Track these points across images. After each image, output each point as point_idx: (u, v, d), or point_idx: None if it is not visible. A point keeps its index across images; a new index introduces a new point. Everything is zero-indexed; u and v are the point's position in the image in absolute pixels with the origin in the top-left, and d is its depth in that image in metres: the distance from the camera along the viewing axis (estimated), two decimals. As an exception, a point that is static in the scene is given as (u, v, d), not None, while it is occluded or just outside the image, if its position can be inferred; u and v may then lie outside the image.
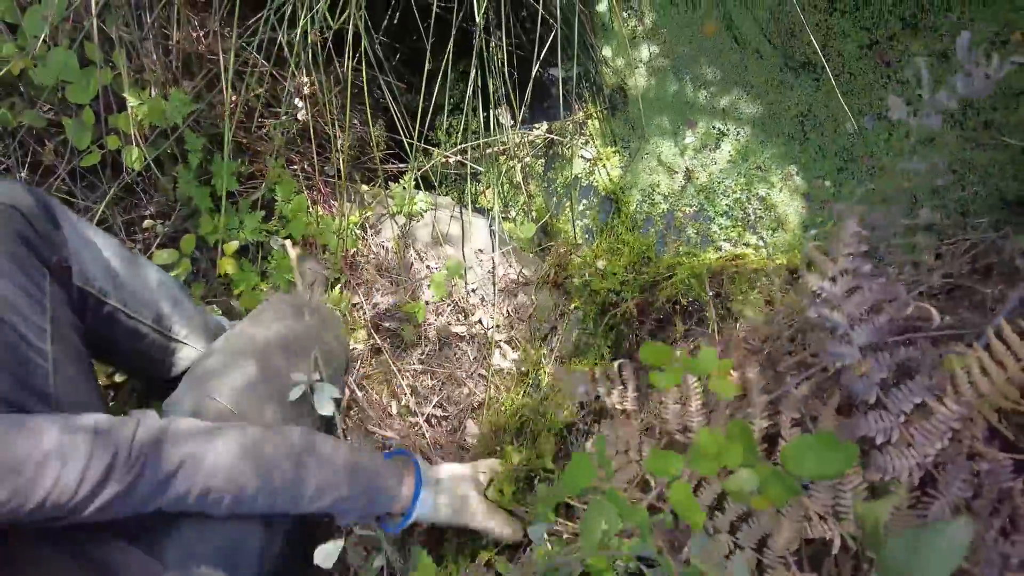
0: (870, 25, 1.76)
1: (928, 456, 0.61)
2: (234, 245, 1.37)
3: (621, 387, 0.93)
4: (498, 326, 1.43)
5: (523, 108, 1.66)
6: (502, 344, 1.43)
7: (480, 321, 1.42)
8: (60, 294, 0.89)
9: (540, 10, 1.54)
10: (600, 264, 1.59)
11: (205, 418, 0.90)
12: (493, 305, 1.43)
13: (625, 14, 1.89)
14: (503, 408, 1.30)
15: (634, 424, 0.76)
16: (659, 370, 0.65)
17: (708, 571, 0.62)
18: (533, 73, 1.55)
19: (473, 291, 1.44)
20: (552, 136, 1.78)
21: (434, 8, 1.40)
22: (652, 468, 0.63)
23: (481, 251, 1.44)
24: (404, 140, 1.56)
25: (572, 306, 1.51)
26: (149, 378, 1.20)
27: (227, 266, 1.34)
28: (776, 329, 1.04)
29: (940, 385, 0.62)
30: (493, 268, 1.45)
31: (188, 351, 1.12)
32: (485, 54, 1.63)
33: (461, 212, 1.56)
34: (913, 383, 0.63)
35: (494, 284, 1.44)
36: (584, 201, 1.74)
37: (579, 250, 1.64)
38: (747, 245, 1.65)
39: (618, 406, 0.94)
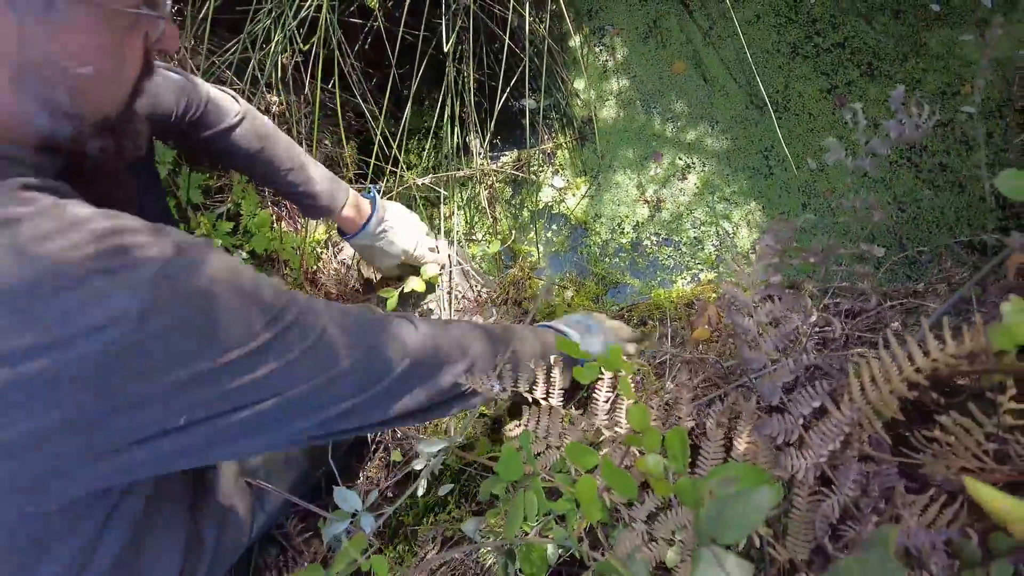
0: (829, 71, 1.87)
1: (822, 456, 0.66)
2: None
3: (546, 384, 0.98)
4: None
5: (489, 136, 1.75)
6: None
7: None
8: None
9: (508, 42, 1.64)
10: (568, 295, 1.65)
11: None
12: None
13: (597, 49, 1.99)
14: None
15: (559, 414, 0.81)
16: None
17: (616, 564, 0.67)
18: (499, 103, 1.64)
19: (429, 309, 1.49)
20: (520, 164, 1.86)
21: (399, 35, 1.49)
22: (571, 457, 0.68)
23: (441, 271, 1.50)
24: (373, 162, 1.63)
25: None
26: None
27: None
28: (719, 344, 1.11)
29: (840, 391, 0.67)
30: (450, 287, 1.51)
31: None
32: (456, 82, 1.72)
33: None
34: (813, 388, 0.69)
35: (450, 304, 1.50)
36: (554, 227, 1.81)
37: (543, 272, 1.70)
38: (711, 281, 1.71)
39: (543, 400, 0.98)
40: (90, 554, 0.64)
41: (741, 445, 0.75)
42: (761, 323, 0.73)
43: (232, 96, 1.09)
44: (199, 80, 1.03)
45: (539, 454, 0.86)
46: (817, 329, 0.73)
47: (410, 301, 1.53)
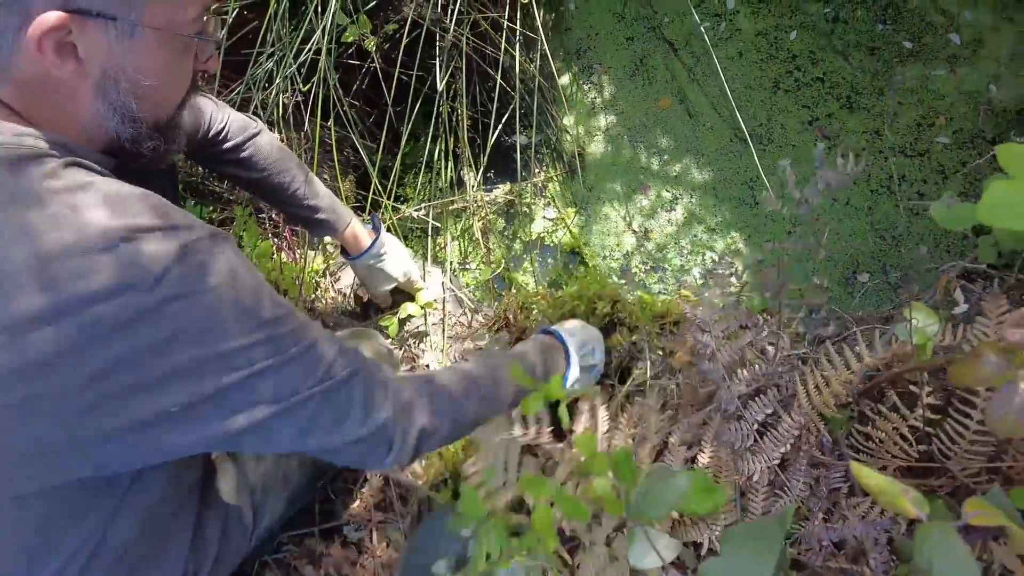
0: (810, 104, 1.96)
1: (775, 459, 0.71)
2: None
3: (536, 425, 1.04)
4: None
5: (482, 170, 1.83)
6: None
7: (427, 366, 1.53)
8: None
9: (500, 81, 1.73)
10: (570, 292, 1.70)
11: None
12: (442, 351, 1.54)
13: (586, 86, 2.09)
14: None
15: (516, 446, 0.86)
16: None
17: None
18: (491, 139, 1.72)
19: (424, 336, 1.55)
20: (512, 197, 1.94)
21: (395, 75, 1.58)
22: (526, 489, 0.73)
23: (435, 301, 1.56)
24: (371, 196, 1.71)
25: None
26: None
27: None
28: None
29: (791, 400, 0.73)
30: (443, 314, 1.57)
31: None
32: (449, 119, 1.81)
33: (423, 263, 1.70)
34: (766, 397, 0.74)
35: (443, 331, 1.56)
36: (550, 260, 1.88)
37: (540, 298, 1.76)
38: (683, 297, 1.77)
39: (532, 443, 1.04)
40: (100, 541, 0.70)
41: (705, 458, 0.80)
42: (717, 338, 0.79)
43: (251, 116, 1.21)
44: (218, 100, 1.14)
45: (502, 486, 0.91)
46: (770, 344, 0.79)
47: (406, 327, 1.59)
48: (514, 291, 1.72)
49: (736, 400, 0.75)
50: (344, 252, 1.41)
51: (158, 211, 0.60)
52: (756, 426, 0.73)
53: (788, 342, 0.78)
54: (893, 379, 0.66)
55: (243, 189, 1.58)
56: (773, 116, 1.97)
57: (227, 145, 1.15)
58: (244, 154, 1.17)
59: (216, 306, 0.59)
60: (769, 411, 0.73)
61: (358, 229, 1.37)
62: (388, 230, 1.66)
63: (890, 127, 1.89)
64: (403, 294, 1.54)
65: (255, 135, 1.18)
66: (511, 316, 1.66)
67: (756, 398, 0.75)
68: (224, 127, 1.14)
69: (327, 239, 1.76)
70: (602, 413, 0.98)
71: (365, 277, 1.47)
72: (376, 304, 1.59)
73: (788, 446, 0.70)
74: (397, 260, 1.45)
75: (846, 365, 0.68)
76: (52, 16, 0.57)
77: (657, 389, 1.07)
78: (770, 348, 0.79)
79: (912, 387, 0.63)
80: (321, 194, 1.29)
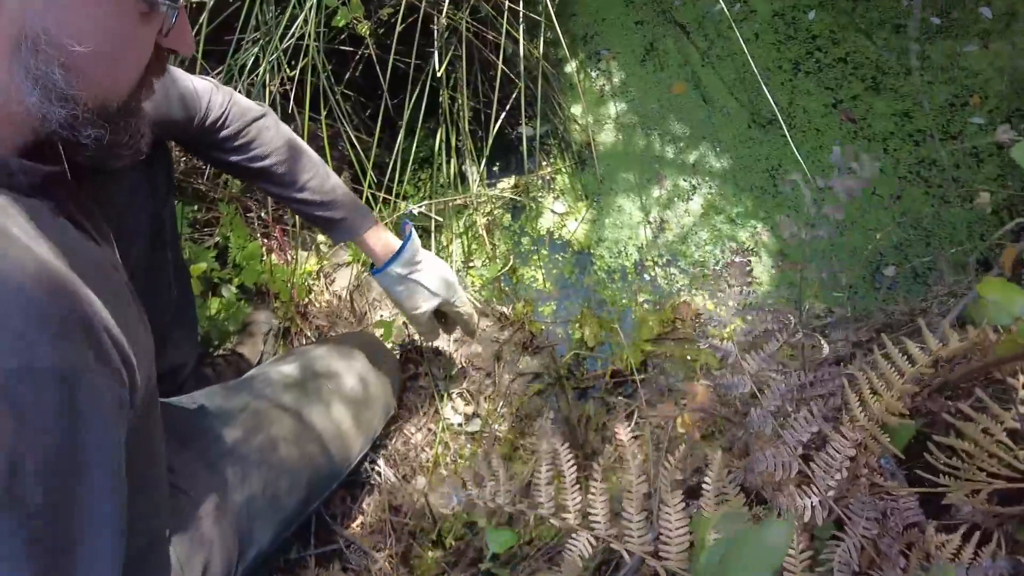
0: (833, 86, 1.85)
1: (829, 491, 0.60)
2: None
3: (493, 482, 0.91)
4: (449, 377, 1.44)
5: (485, 162, 1.73)
6: (454, 396, 1.43)
7: (430, 373, 1.43)
8: None
9: (503, 68, 1.63)
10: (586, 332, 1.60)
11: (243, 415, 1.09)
12: (448, 356, 1.45)
13: (594, 74, 1.98)
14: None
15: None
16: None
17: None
18: (493, 130, 1.62)
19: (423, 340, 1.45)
20: (519, 190, 1.83)
21: (390, 63, 1.48)
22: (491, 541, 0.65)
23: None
24: (368, 192, 1.61)
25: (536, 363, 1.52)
26: None
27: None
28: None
29: (837, 412, 0.62)
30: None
31: None
32: (450, 110, 1.71)
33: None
34: (808, 412, 0.64)
35: (449, 336, 1.46)
36: (559, 256, 1.77)
37: (548, 299, 1.66)
38: (684, 302, 1.65)
39: (490, 504, 0.90)
40: None
41: (710, 502, 0.66)
42: (741, 343, 0.68)
43: (258, 103, 1.07)
44: (224, 86, 1.02)
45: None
46: (812, 346, 0.69)
47: (408, 330, 1.50)
48: (522, 305, 1.62)
49: (771, 419, 0.65)
50: (371, 268, 1.20)
51: None
52: (800, 449, 0.63)
53: (826, 347, 0.67)
54: (975, 373, 0.56)
55: (248, 182, 1.44)
56: (795, 99, 1.85)
57: (225, 132, 1.01)
58: (243, 140, 1.02)
59: None
60: (814, 429, 0.63)
61: (384, 233, 1.16)
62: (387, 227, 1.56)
63: (919, 108, 1.78)
64: (445, 316, 1.30)
65: (258, 118, 1.03)
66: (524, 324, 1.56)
67: (796, 414, 0.64)
68: (224, 112, 1.00)
69: (319, 239, 1.66)
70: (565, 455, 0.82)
71: (399, 296, 1.19)
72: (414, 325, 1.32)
73: (844, 471, 0.59)
74: (435, 271, 1.20)
75: (910, 361, 0.57)
76: None
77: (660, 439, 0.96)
78: (806, 350, 0.69)
79: (1001, 380, 0.52)
80: (338, 190, 1.12)
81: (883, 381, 0.57)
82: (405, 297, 1.19)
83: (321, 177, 1.11)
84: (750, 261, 0.71)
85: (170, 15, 0.59)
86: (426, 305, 1.19)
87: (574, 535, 0.64)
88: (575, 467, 0.68)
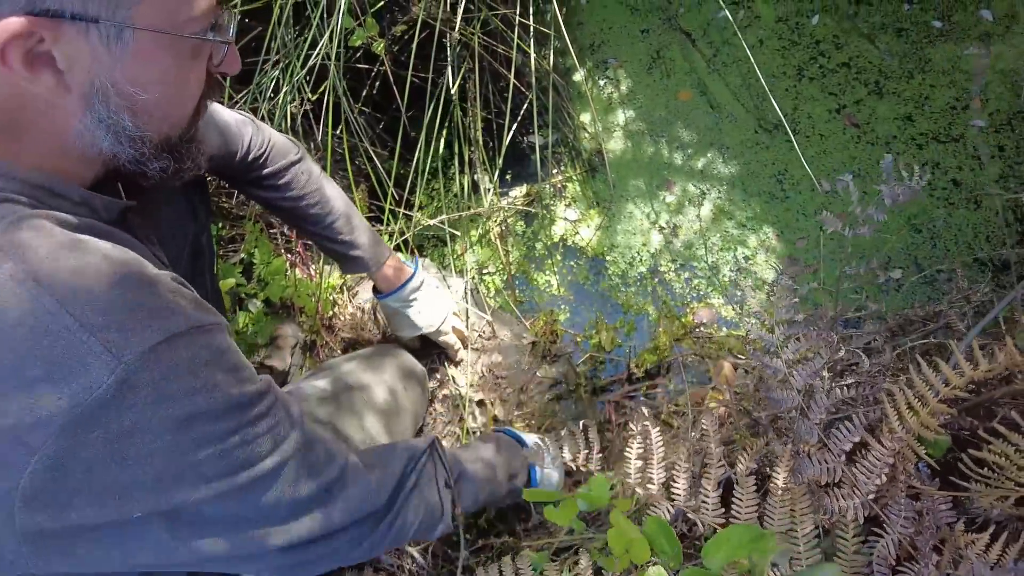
0: (837, 90, 1.89)
1: (870, 494, 0.64)
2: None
3: (586, 450, 0.99)
4: (472, 385, 1.47)
5: (498, 172, 1.76)
6: (476, 404, 1.47)
7: (453, 380, 1.47)
8: None
9: (513, 80, 1.66)
10: (602, 337, 1.64)
11: None
12: (470, 364, 1.48)
13: (602, 82, 2.02)
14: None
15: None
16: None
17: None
18: (506, 140, 1.66)
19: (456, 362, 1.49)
20: (531, 198, 1.87)
21: (407, 79, 1.51)
22: (549, 516, 0.68)
23: (456, 314, 1.50)
24: (385, 206, 1.64)
25: (555, 370, 1.55)
26: None
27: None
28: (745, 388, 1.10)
29: (877, 423, 0.66)
30: (466, 324, 1.51)
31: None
32: (463, 122, 1.74)
33: (443, 274, 1.63)
34: (852, 423, 0.68)
35: (467, 345, 1.50)
36: (573, 263, 1.81)
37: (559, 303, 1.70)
38: (708, 306, 1.70)
39: (583, 468, 0.98)
40: None
41: (777, 491, 0.73)
42: (789, 361, 0.73)
43: (291, 140, 1.12)
44: (260, 122, 1.06)
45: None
46: (843, 364, 0.73)
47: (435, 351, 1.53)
48: (542, 319, 1.66)
49: (817, 430, 0.69)
50: (375, 289, 1.33)
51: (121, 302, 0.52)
52: (843, 457, 0.67)
53: (866, 360, 0.71)
54: (1012, 395, 0.60)
55: (272, 213, 1.49)
56: (799, 105, 1.89)
57: (266, 171, 1.06)
58: (281, 180, 1.09)
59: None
60: (856, 439, 0.67)
61: (393, 269, 1.27)
62: (413, 253, 1.60)
63: (922, 112, 1.82)
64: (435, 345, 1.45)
65: (296, 162, 1.10)
66: (545, 334, 1.60)
67: (839, 424, 0.68)
68: (264, 152, 1.05)
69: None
70: (655, 435, 0.91)
71: (389, 319, 1.39)
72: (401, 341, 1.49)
73: (883, 476, 0.64)
74: (429, 309, 1.34)
75: (944, 381, 0.62)
76: (14, 22, 0.48)
77: (706, 415, 1.00)
78: (843, 369, 0.73)
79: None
80: (359, 230, 1.20)
81: (919, 400, 0.61)
82: (394, 322, 1.37)
83: (346, 218, 1.17)
84: (795, 279, 0.75)
85: (221, 48, 0.62)
86: (407, 333, 1.36)
87: (655, 504, 0.70)
88: (663, 446, 0.76)
